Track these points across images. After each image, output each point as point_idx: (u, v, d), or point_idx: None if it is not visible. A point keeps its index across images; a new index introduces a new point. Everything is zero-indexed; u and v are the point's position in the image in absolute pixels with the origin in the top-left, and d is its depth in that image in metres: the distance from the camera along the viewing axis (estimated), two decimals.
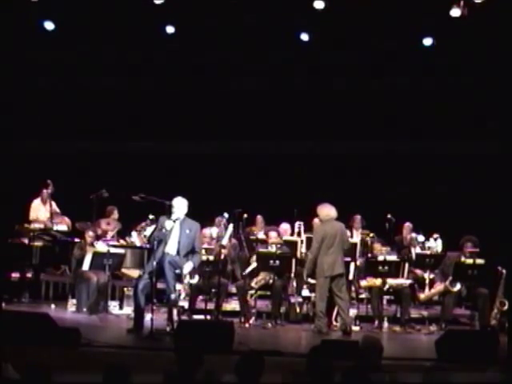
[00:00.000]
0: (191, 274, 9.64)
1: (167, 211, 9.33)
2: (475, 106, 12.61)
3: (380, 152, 13.22)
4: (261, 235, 11.72)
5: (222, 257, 10.16)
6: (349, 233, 10.85)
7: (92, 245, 10.78)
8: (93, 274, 10.43)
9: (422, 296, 10.58)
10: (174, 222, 9.23)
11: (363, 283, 10.28)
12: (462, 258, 10.19)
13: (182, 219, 9.35)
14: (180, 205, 9.33)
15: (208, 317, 9.95)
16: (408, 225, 12.13)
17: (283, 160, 13.57)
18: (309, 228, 12.04)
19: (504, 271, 10.14)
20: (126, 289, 10.87)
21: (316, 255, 9.64)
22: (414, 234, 11.51)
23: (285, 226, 11.69)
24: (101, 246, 10.81)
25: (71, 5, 11.49)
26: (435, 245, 11.21)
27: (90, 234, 10.91)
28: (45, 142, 12.77)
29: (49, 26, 12.13)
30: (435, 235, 11.25)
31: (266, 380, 4.99)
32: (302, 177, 13.40)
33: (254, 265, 10.18)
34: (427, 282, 10.64)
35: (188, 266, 9.26)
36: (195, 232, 9.45)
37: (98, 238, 11.03)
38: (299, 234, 11.80)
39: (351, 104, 13.18)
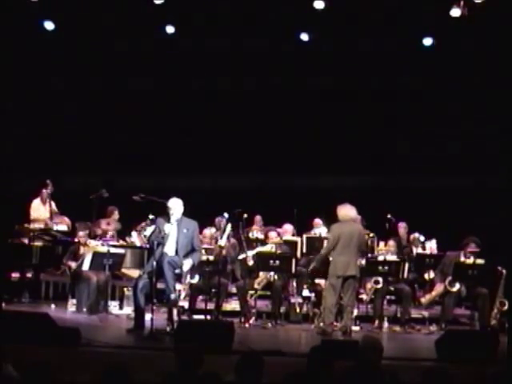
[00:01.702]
0: (191, 274, 9.64)
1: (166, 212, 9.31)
2: None
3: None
4: (260, 235, 11.71)
5: (222, 257, 10.16)
6: None
7: (86, 244, 10.78)
8: (93, 273, 10.42)
9: (423, 300, 10.55)
10: (173, 224, 9.23)
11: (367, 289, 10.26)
12: (462, 258, 10.16)
13: (179, 219, 9.32)
14: (177, 205, 9.29)
15: (208, 317, 9.93)
16: (402, 224, 12.14)
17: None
18: (309, 228, 12.05)
19: (504, 271, 10.13)
20: (125, 289, 10.85)
21: (327, 253, 9.63)
22: (416, 234, 11.51)
23: (287, 227, 11.67)
24: (98, 245, 10.80)
25: (71, 5, 11.50)
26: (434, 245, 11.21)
27: (80, 235, 10.92)
28: None
29: (49, 25, 12.13)
30: (432, 240, 11.24)
31: (266, 380, 4.99)
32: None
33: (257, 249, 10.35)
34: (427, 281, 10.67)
35: (187, 264, 9.21)
36: (193, 231, 9.41)
37: (93, 237, 11.02)
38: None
39: None
